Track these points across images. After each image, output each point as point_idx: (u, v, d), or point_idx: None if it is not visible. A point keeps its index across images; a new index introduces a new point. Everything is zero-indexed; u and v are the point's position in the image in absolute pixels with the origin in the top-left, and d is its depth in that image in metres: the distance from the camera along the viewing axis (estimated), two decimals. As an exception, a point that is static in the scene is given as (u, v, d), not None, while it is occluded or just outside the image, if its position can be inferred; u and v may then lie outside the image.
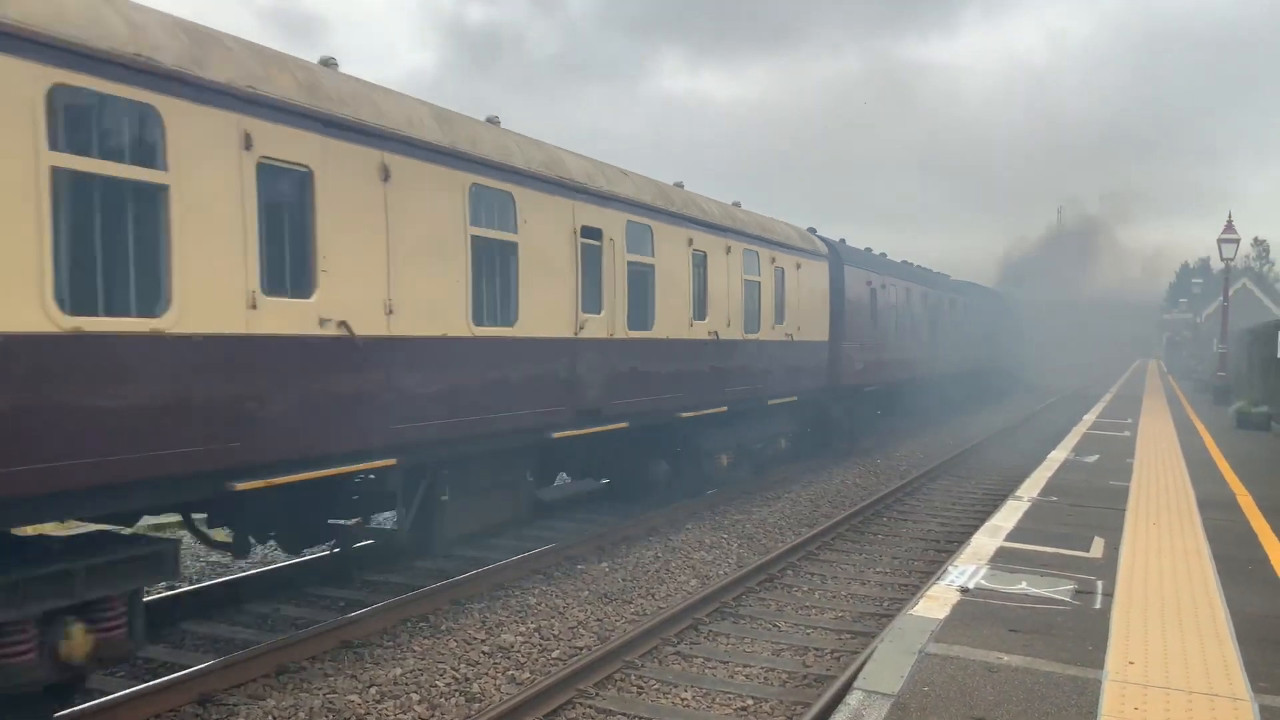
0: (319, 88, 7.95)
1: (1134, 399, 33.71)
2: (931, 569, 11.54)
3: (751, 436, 16.98)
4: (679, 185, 14.89)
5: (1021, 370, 47.90)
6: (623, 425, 12.41)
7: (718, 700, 7.57)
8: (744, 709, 7.40)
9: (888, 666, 6.19)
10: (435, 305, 9.00)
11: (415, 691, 7.43)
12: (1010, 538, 10.05)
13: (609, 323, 12.06)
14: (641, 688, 7.80)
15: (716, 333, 14.96)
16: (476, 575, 10.36)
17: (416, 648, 8.43)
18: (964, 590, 7.96)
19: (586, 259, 11.58)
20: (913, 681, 5.97)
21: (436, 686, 7.57)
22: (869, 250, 24.58)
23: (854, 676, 7.23)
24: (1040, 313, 57.08)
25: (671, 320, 13.60)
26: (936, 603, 7.59)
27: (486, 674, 7.90)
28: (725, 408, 15.21)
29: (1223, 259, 31.28)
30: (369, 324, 8.18)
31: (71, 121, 6.00)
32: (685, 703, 7.52)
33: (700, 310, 14.56)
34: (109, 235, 6.29)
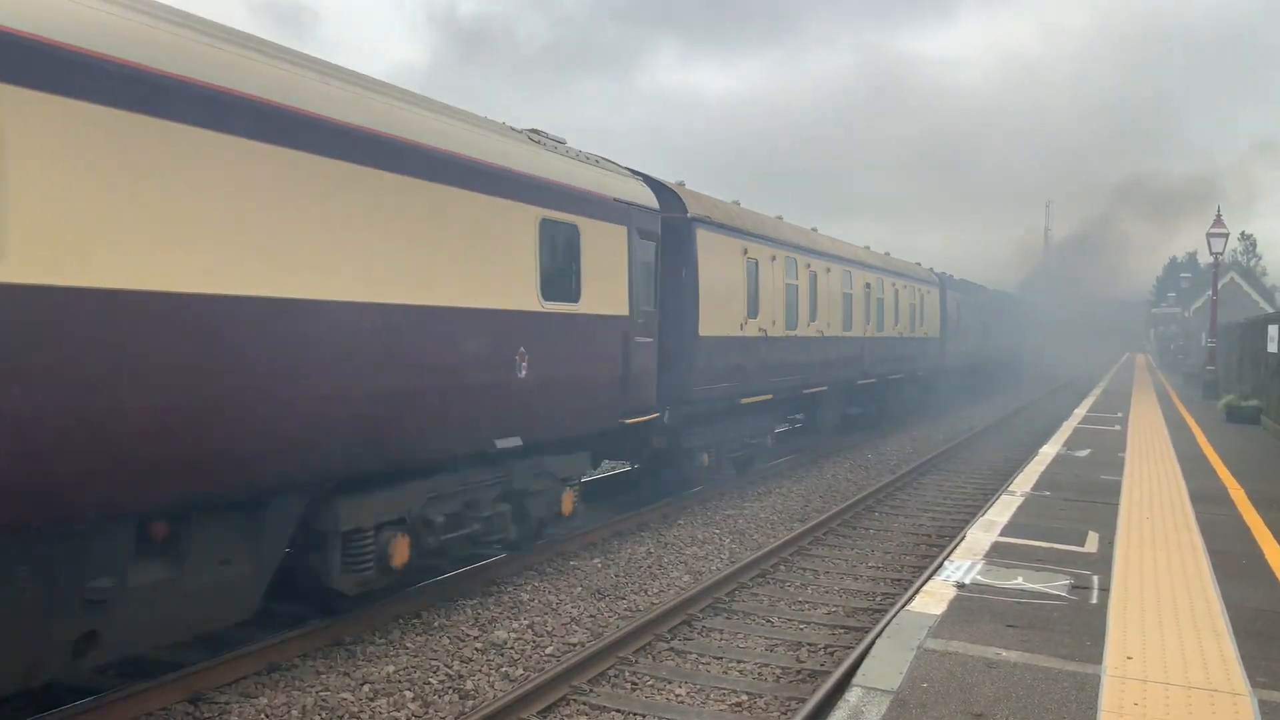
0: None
1: (1124, 393, 33.80)
2: (924, 564, 11.52)
3: (898, 395, 27.24)
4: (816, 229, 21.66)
5: (1033, 359, 57.72)
6: (822, 388, 19.99)
7: (712, 696, 7.53)
8: (738, 704, 7.36)
9: (886, 663, 6.16)
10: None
11: (409, 689, 7.37)
12: (1005, 533, 10.04)
13: (863, 327, 22.96)
14: (635, 684, 7.75)
15: (886, 334, 24.87)
16: (468, 572, 10.30)
17: (409, 645, 8.37)
18: (960, 586, 7.94)
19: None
20: (911, 678, 5.93)
21: (430, 684, 7.51)
22: (950, 275, 34.78)
23: (848, 672, 7.22)
24: (1044, 312, 65.25)
25: (860, 326, 22.51)
26: (933, 598, 7.56)
27: (480, 671, 7.84)
28: (875, 379, 23.91)
29: (1211, 253, 31.39)
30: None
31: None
32: (679, 698, 7.48)
33: (879, 321, 24.08)
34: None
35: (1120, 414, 25.03)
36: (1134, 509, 11.50)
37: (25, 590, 5.73)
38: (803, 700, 7.22)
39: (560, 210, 10.51)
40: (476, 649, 8.32)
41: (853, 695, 5.70)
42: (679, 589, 10.34)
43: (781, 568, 11.41)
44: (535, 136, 10.98)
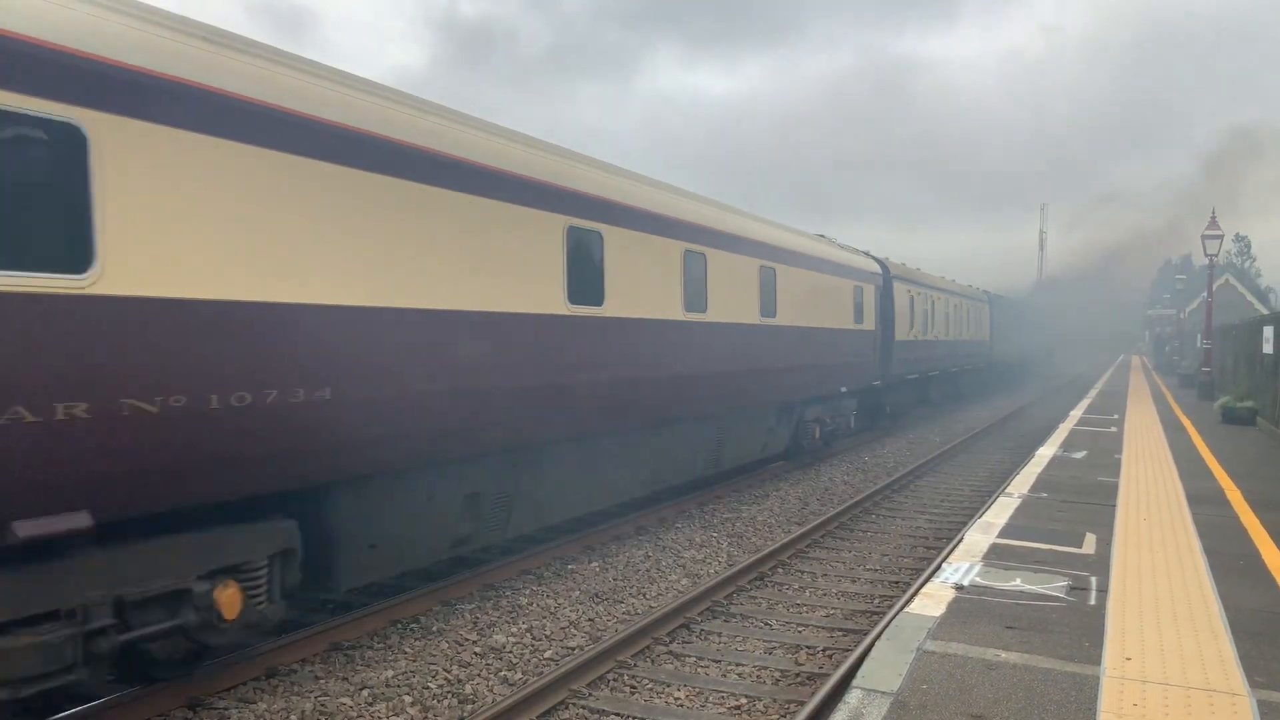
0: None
1: (1119, 394, 33.85)
2: (922, 566, 11.53)
3: (967, 380, 39.05)
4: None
5: (1045, 357, 67.38)
6: (935, 373, 31.50)
7: (711, 699, 7.52)
8: (737, 708, 7.36)
9: (886, 665, 6.16)
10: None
11: (408, 693, 7.36)
12: (1003, 534, 10.05)
13: (941, 331, 32.04)
14: (634, 687, 7.75)
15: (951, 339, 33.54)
16: (466, 576, 10.29)
17: (408, 649, 8.36)
18: (959, 587, 7.94)
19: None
20: (911, 679, 5.94)
21: (429, 688, 7.50)
22: (997, 294, 45.80)
23: (847, 674, 7.23)
24: (1052, 317, 73.32)
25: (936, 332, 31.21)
26: (932, 600, 7.57)
27: (479, 675, 7.84)
28: (956, 369, 35.23)
29: (1206, 255, 31.45)
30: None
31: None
32: (679, 702, 7.48)
33: (960, 330, 34.83)
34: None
35: (1116, 415, 25.06)
36: (1131, 510, 11.51)
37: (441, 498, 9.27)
38: (802, 703, 7.22)
39: (861, 281, 21.92)
40: (475, 653, 8.31)
41: (853, 697, 5.70)
42: (677, 592, 10.34)
43: (779, 571, 11.41)
44: (846, 246, 22.86)
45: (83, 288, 5.60)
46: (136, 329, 5.89)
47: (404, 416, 8.04)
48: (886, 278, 24.78)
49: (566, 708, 7.25)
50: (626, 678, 7.90)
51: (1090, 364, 75.22)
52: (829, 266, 19.70)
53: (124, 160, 5.84)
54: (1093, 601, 7.69)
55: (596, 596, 10.08)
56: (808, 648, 8.76)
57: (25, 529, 5.42)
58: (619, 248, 11.36)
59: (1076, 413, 26.51)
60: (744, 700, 7.47)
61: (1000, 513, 11.31)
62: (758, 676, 8.05)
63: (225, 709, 7.00)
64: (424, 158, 8.25)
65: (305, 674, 7.74)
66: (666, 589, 10.52)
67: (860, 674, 6.10)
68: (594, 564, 11.35)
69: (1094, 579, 8.33)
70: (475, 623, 9.09)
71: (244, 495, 6.84)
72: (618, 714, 7.16)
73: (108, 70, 5.79)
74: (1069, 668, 6.17)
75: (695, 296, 13.47)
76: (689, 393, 13.40)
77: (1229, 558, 9.23)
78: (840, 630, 9.27)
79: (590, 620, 9.36)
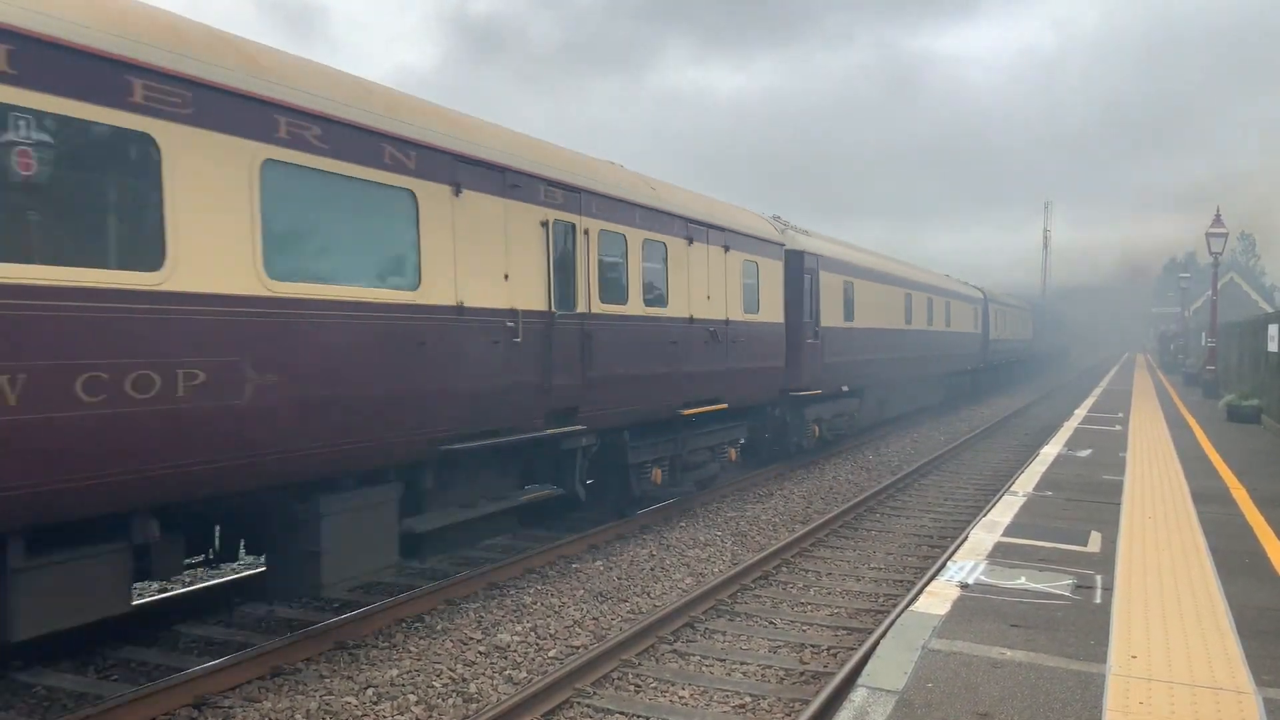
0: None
1: (1124, 393, 33.80)
2: (926, 565, 11.52)
3: (1018, 368, 50.35)
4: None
5: (1062, 353, 79.26)
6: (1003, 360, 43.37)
7: (715, 698, 7.52)
8: (742, 706, 7.35)
9: (891, 663, 6.15)
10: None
11: (412, 692, 7.36)
12: (1008, 533, 10.03)
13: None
14: (639, 686, 7.75)
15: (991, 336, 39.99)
16: (471, 575, 10.28)
17: (412, 648, 8.36)
18: (964, 586, 7.93)
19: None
20: (917, 678, 5.93)
21: (433, 687, 7.50)
22: (1041, 302, 64.05)
23: (852, 673, 7.22)
24: (1066, 317, 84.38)
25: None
26: (937, 599, 7.56)
27: (483, 674, 7.83)
28: (1013, 361, 47.79)
29: (1211, 253, 31.36)
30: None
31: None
32: (683, 701, 7.47)
33: (1017, 330, 47.48)
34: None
35: (1121, 414, 25.02)
36: (1136, 509, 11.49)
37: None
38: (807, 701, 7.22)
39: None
40: (480, 652, 8.31)
41: (858, 695, 5.69)
42: (681, 591, 10.33)
43: (784, 569, 11.40)
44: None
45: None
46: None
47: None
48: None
49: (571, 706, 7.25)
50: (631, 676, 7.90)
51: (1098, 359, 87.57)
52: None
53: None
54: (1098, 600, 7.67)
55: (601, 595, 10.08)
56: (812, 646, 8.75)
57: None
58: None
59: (1081, 411, 26.46)
60: (749, 699, 7.47)
61: (1005, 511, 11.29)
62: (762, 675, 8.05)
63: (230, 707, 7.00)
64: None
65: (310, 673, 7.74)
66: (671, 588, 10.51)
67: (865, 672, 6.09)
68: (598, 563, 11.35)
69: (1099, 577, 8.31)
70: (480, 621, 9.09)
71: None
72: (622, 713, 7.16)
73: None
74: (1074, 666, 6.16)
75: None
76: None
77: (1234, 556, 9.21)
78: (845, 629, 9.26)
79: (594, 619, 9.35)
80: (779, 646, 8.77)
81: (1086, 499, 12.14)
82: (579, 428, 10.70)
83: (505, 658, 8.22)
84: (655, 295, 12.66)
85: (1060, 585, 8.03)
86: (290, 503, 7.69)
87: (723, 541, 12.76)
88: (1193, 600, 7.66)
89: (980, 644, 6.56)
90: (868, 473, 19.11)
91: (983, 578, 8.23)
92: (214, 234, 6.56)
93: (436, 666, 7.92)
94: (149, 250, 6.19)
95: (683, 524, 13.66)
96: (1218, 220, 30.34)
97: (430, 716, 7.02)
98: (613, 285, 11.61)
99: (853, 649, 8.42)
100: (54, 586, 6.00)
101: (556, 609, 9.56)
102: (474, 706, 7.18)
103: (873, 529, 13.86)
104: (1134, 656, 6.33)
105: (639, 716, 7.11)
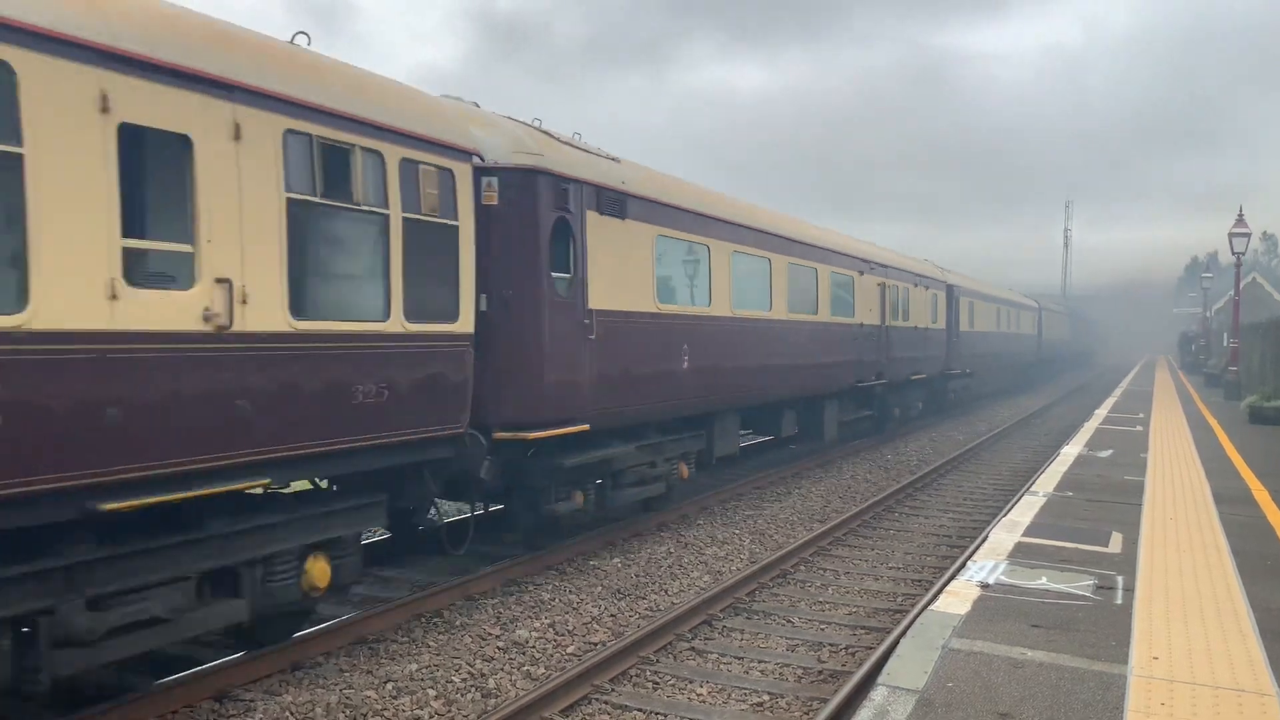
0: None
1: (1145, 394, 33.59)
2: (945, 564, 11.48)
3: (1064, 362, 66.16)
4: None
5: (1089, 350, 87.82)
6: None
7: (733, 696, 7.52)
8: (760, 704, 7.35)
9: (911, 662, 6.14)
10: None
11: (431, 687, 7.40)
12: (1028, 533, 9.99)
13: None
14: (657, 683, 7.75)
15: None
16: (489, 571, 10.32)
17: (431, 644, 8.39)
18: (984, 586, 7.91)
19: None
20: (937, 677, 5.91)
21: (452, 682, 7.53)
22: (1078, 309, 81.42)
23: (870, 672, 7.21)
24: (1091, 319, 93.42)
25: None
26: (957, 598, 7.54)
27: (502, 669, 7.86)
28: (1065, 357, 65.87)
29: (1233, 253, 31.12)
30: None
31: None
32: (701, 698, 7.48)
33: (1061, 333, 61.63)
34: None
35: (1141, 414, 24.87)
36: (1157, 509, 11.42)
37: None
38: (825, 700, 7.20)
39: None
40: (498, 648, 8.34)
41: (878, 694, 5.69)
42: (699, 589, 10.33)
43: (802, 568, 11.39)
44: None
45: None
46: None
47: None
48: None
49: (589, 703, 7.27)
50: (649, 674, 7.91)
51: (1121, 358, 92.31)
52: None
53: None
54: (1119, 601, 7.63)
55: (619, 593, 10.09)
56: (831, 645, 8.74)
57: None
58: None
59: (1102, 411, 26.32)
60: (767, 697, 7.47)
61: (1025, 511, 11.24)
62: (780, 673, 8.04)
63: (251, 701, 7.04)
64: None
65: (330, 667, 7.79)
66: (688, 585, 10.52)
67: (885, 671, 6.08)
68: (616, 560, 11.36)
69: (1120, 578, 8.27)
70: (498, 617, 9.12)
71: None
72: (640, 709, 7.17)
73: None
74: (1096, 666, 6.13)
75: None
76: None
77: (1257, 558, 9.14)
78: (863, 628, 9.24)
79: (613, 616, 9.37)
80: (797, 645, 8.76)
81: (1107, 499, 12.07)
82: (883, 381, 22.37)
83: (524, 653, 8.24)
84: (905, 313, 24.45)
85: (1081, 586, 7.99)
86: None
87: (741, 539, 12.75)
88: (1214, 602, 7.61)
89: (1001, 644, 6.53)
90: (886, 472, 19.06)
91: (1003, 578, 8.20)
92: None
93: (455, 662, 7.95)
94: None
95: (700, 522, 13.66)
96: (1240, 220, 30.10)
97: (449, 711, 7.05)
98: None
99: (871, 648, 8.40)
100: None
101: (575, 605, 9.58)
102: (493, 702, 7.20)
103: (891, 528, 13.83)
104: (1155, 658, 6.30)
105: (657, 714, 7.12)
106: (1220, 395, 32.45)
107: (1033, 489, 13.08)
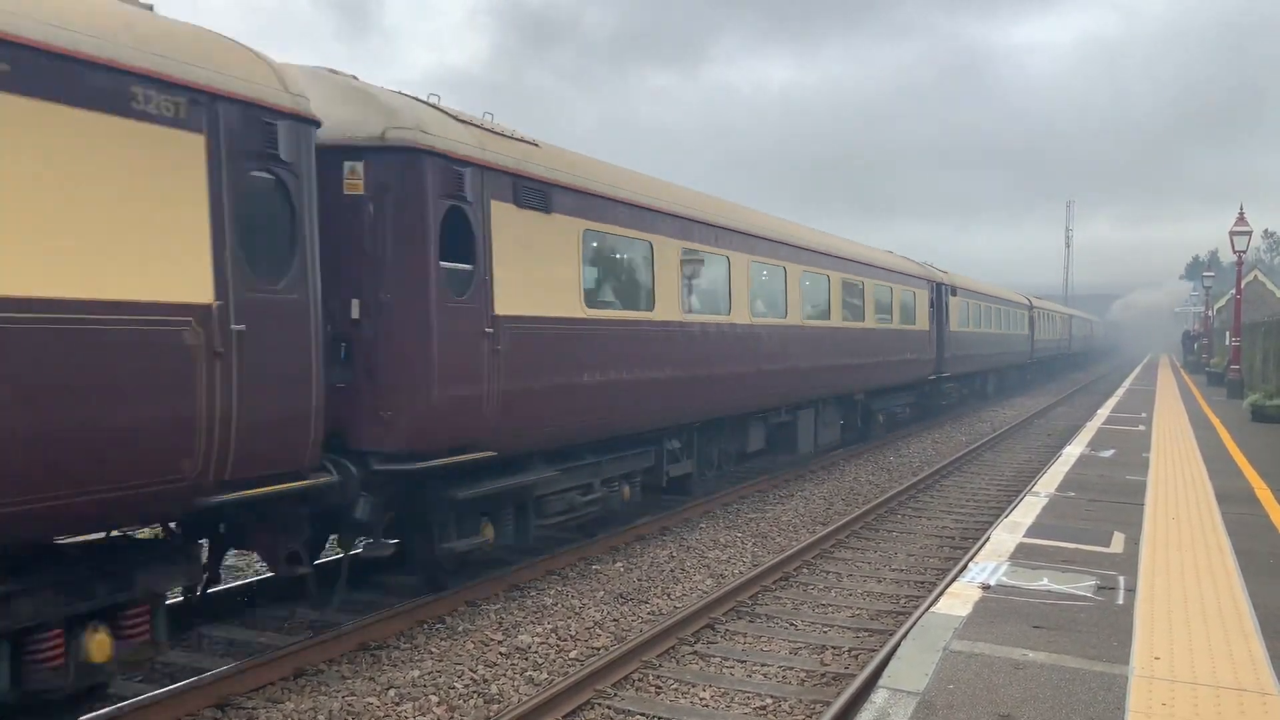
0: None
1: (1147, 393, 33.56)
2: (948, 566, 11.48)
3: (1085, 358, 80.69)
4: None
5: (1091, 351, 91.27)
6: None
7: (736, 700, 7.52)
8: (763, 708, 7.35)
9: (913, 664, 6.14)
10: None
11: (434, 693, 7.40)
12: (1030, 534, 9.99)
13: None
14: (660, 687, 7.76)
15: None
16: (492, 577, 10.32)
17: (434, 649, 8.40)
18: (985, 587, 7.90)
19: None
20: (938, 679, 5.91)
21: (455, 688, 7.53)
22: (1104, 315, 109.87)
23: (873, 675, 7.20)
24: (1091, 319, 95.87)
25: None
26: (958, 600, 7.53)
27: (504, 675, 7.86)
28: (1089, 350, 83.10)
29: (1234, 251, 31.10)
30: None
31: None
32: (704, 702, 7.48)
33: (1084, 336, 76.77)
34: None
35: (1144, 414, 24.85)
36: (1160, 509, 11.41)
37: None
38: (828, 703, 7.21)
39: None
40: (501, 653, 8.34)
41: (879, 697, 5.69)
42: (702, 592, 10.33)
43: (804, 571, 11.39)
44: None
45: None
46: None
47: None
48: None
49: (592, 708, 7.27)
50: (652, 678, 7.91)
51: (1124, 358, 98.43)
52: None
53: None
54: (1121, 601, 7.63)
55: (621, 597, 10.10)
56: (833, 648, 8.74)
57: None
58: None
59: (1104, 411, 26.30)
60: (769, 700, 7.47)
61: (1027, 512, 11.24)
62: (783, 677, 8.04)
63: (253, 709, 7.05)
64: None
65: (332, 674, 7.79)
66: (691, 589, 10.52)
67: (886, 674, 6.08)
68: (618, 564, 11.37)
69: (1122, 578, 8.27)
70: (501, 623, 9.12)
71: None
72: (643, 714, 7.17)
73: None
74: (1097, 667, 6.13)
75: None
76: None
77: (1259, 557, 9.13)
78: (866, 631, 9.24)
79: (615, 620, 9.37)
80: (800, 648, 8.76)
81: (1109, 499, 12.07)
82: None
83: (526, 659, 8.25)
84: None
85: (1083, 586, 7.99)
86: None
87: (743, 543, 12.75)
88: (1216, 601, 7.61)
89: (1002, 645, 6.53)
90: (889, 473, 19.05)
91: (1005, 579, 8.19)
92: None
93: (458, 667, 7.96)
94: None
95: (702, 525, 13.66)
96: (1241, 218, 30.09)
97: (452, 717, 7.05)
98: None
99: (874, 650, 8.40)
100: None
101: (577, 610, 9.59)
102: (495, 707, 7.21)
103: (894, 530, 13.82)
104: (1157, 658, 6.30)
105: (660, 718, 7.12)
106: (1223, 394, 32.42)
107: (1035, 489, 13.07)
